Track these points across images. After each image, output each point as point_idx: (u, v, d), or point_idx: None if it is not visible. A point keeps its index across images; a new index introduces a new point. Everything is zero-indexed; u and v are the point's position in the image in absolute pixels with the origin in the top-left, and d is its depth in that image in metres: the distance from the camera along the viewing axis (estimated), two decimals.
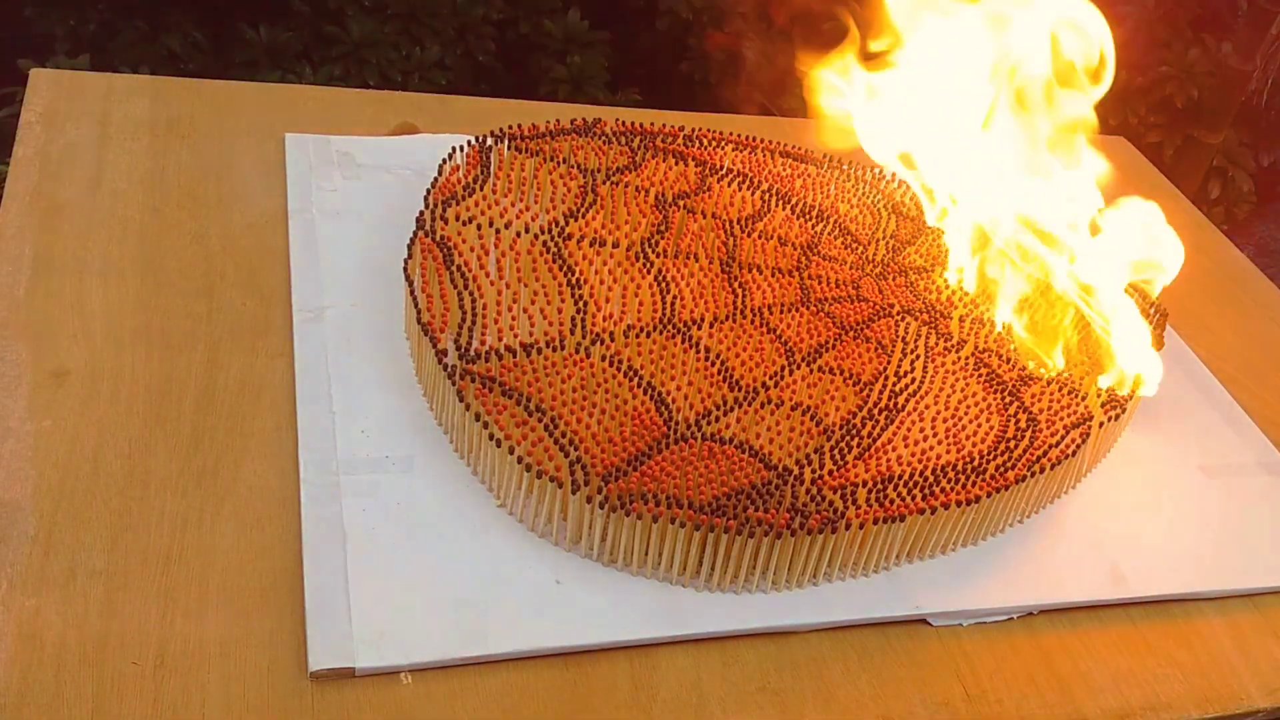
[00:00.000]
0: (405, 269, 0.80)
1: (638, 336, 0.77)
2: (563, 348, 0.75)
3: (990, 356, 0.83)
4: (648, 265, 0.83)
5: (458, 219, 0.83)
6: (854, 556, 0.70)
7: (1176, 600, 0.75)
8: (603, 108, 1.07)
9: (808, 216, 0.94)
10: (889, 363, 0.81)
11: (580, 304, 0.78)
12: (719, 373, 0.76)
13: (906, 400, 0.77)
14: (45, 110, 0.92)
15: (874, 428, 0.75)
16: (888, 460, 0.73)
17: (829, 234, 0.93)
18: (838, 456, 0.72)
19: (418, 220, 0.82)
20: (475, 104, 1.11)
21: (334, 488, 0.68)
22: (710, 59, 1.88)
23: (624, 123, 0.99)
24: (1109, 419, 0.80)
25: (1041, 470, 0.75)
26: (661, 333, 0.78)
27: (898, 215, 0.97)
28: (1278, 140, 2.21)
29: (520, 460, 0.67)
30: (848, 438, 0.73)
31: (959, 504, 0.71)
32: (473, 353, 0.72)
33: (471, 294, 0.76)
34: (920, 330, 0.84)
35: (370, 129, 1.00)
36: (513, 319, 0.76)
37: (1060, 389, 0.81)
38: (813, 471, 0.71)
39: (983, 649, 0.69)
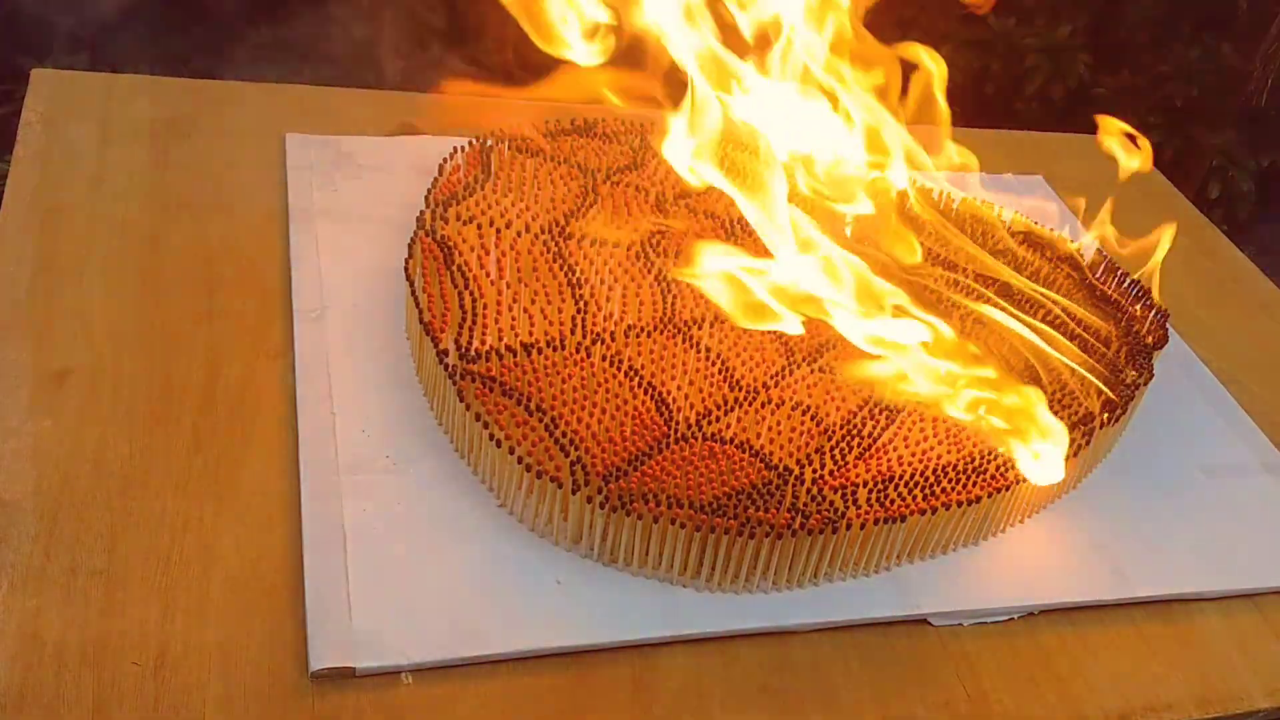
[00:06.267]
0: (406, 269, 0.80)
1: (638, 336, 0.77)
2: (563, 347, 0.75)
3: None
4: (648, 265, 0.83)
5: (458, 219, 0.83)
6: (854, 556, 0.70)
7: (1176, 600, 0.75)
8: (603, 108, 1.07)
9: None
10: None
11: (580, 304, 0.78)
12: (719, 372, 0.76)
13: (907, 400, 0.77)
14: (46, 110, 0.92)
15: (874, 427, 0.75)
16: (888, 460, 0.73)
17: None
18: (838, 456, 0.72)
19: (418, 220, 0.82)
20: (475, 104, 1.11)
21: (334, 488, 0.68)
22: None
23: (624, 123, 0.99)
24: (1110, 420, 0.80)
25: None
26: (662, 332, 0.78)
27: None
28: (1278, 140, 2.21)
29: (520, 460, 0.67)
30: (848, 438, 0.73)
31: (959, 504, 0.71)
32: (473, 353, 0.72)
33: (472, 294, 0.76)
34: None
35: (370, 129, 1.00)
36: (513, 319, 0.76)
37: (1061, 389, 0.81)
38: (813, 471, 0.71)
39: (983, 649, 0.69)
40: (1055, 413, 0.79)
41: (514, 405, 0.69)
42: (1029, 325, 0.84)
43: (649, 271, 0.83)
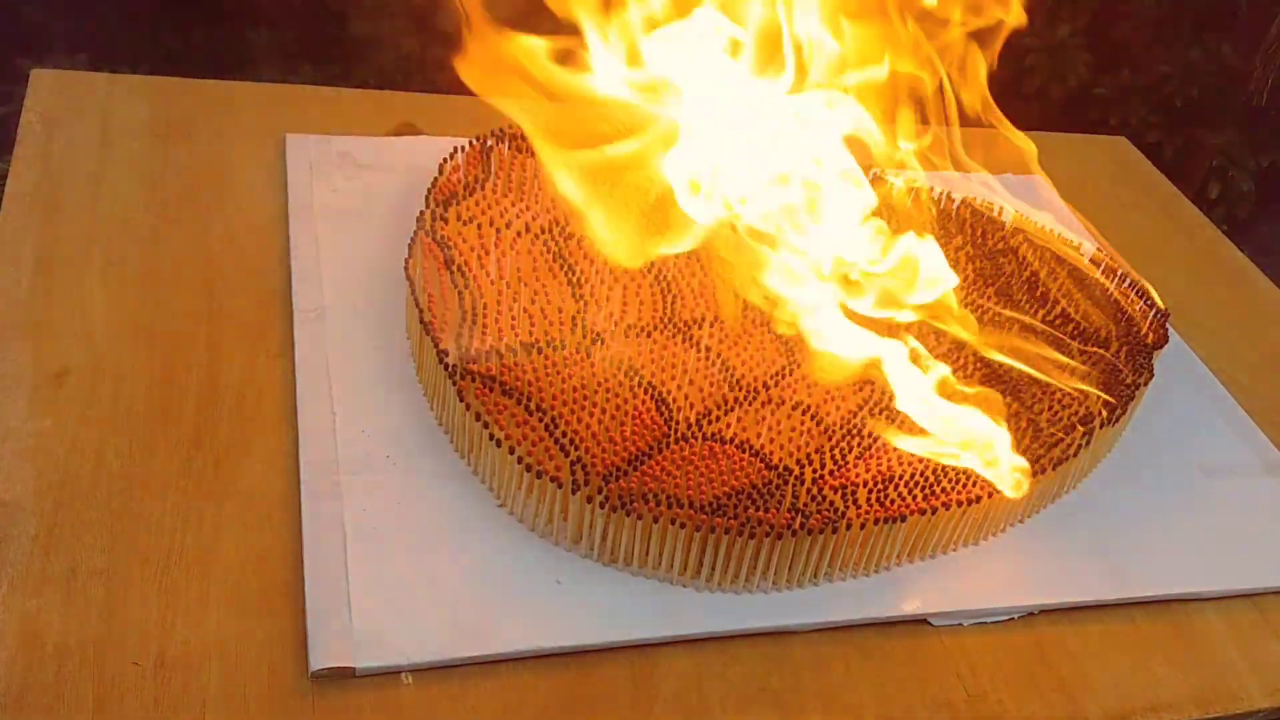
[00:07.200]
0: (406, 269, 0.80)
1: (638, 336, 0.77)
2: (563, 347, 0.75)
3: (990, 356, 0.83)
4: (648, 265, 0.83)
5: (458, 219, 0.83)
6: (854, 556, 0.70)
7: (1176, 600, 0.75)
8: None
9: None
10: None
11: (580, 304, 0.78)
12: (719, 372, 0.76)
13: None
14: (45, 110, 0.92)
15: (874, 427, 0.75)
16: (888, 460, 0.73)
17: None
18: (838, 456, 0.72)
19: (418, 220, 0.82)
20: (475, 104, 1.11)
21: (334, 488, 0.68)
22: None
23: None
24: (1110, 420, 0.80)
25: (1042, 470, 0.75)
26: (662, 332, 0.78)
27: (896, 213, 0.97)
28: (1278, 140, 2.21)
29: (520, 460, 0.67)
30: (848, 438, 0.73)
31: (959, 504, 0.71)
32: (473, 352, 0.72)
33: (472, 294, 0.76)
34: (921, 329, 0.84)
35: (370, 129, 1.00)
36: (513, 319, 0.76)
37: (1062, 390, 0.81)
38: (813, 471, 0.71)
39: (983, 649, 0.69)
40: (1055, 412, 0.79)
41: (514, 405, 0.69)
42: (1024, 343, 0.83)
43: (649, 271, 0.83)
